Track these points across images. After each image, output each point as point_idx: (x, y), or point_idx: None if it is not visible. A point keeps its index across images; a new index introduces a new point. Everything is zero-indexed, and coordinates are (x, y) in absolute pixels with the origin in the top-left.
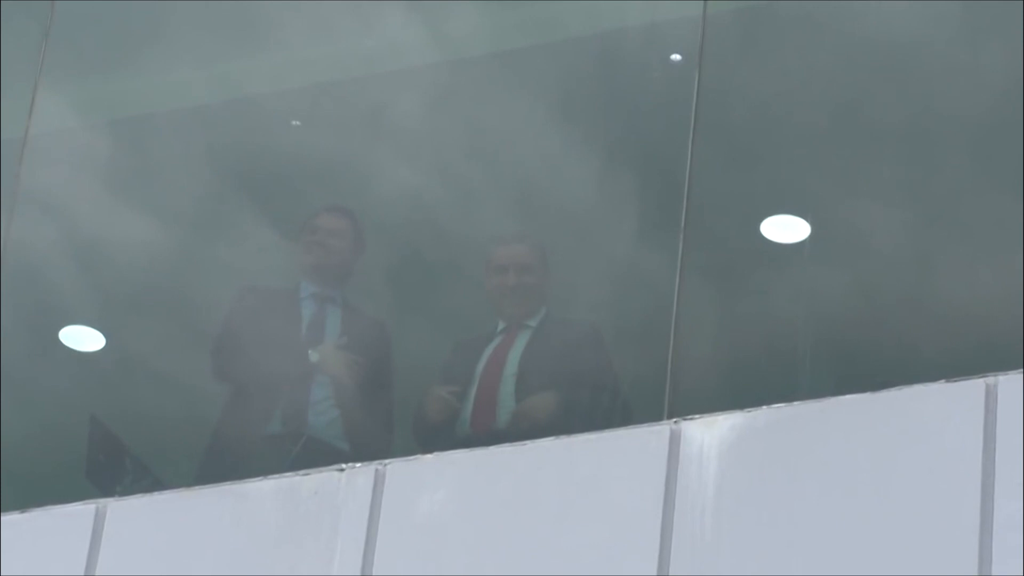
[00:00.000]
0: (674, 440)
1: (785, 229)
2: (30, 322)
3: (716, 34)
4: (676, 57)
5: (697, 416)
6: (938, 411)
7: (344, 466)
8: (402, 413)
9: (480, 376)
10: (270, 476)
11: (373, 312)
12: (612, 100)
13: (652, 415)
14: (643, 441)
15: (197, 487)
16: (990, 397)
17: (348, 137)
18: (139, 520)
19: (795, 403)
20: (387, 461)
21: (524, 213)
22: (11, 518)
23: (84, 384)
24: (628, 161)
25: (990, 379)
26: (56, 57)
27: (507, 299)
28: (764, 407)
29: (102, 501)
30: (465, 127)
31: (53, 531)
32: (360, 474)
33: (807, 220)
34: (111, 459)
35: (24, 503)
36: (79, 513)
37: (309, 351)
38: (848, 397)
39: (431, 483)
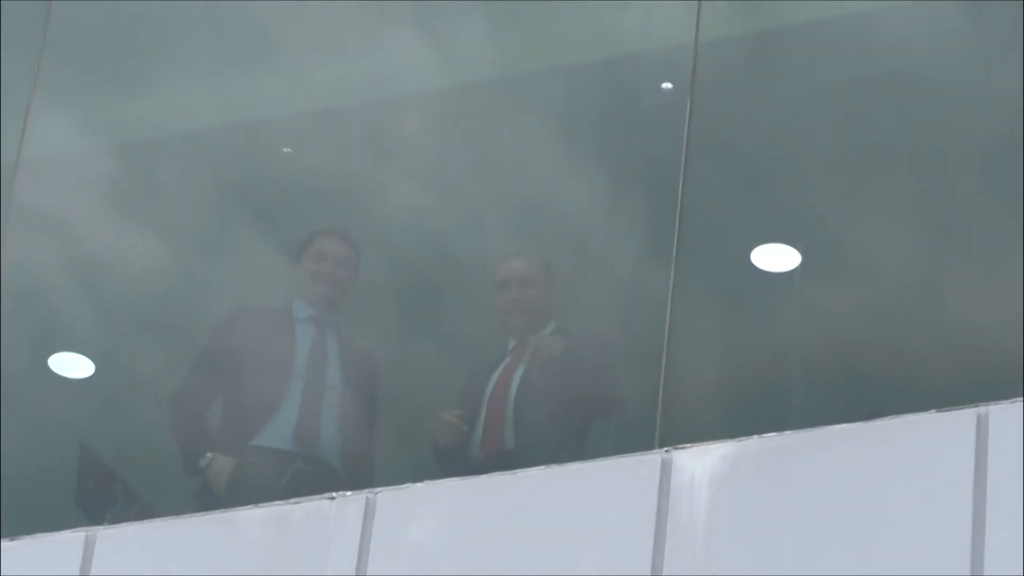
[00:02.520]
0: (665, 469)
1: (776, 257)
2: (23, 347)
3: (710, 61)
4: (667, 86)
5: (688, 445)
6: (929, 441)
7: (335, 494)
8: (408, 439)
9: (488, 399)
10: (261, 504)
11: (364, 338)
12: (615, 125)
13: (643, 444)
14: (634, 470)
15: (187, 515)
16: (981, 427)
17: (355, 161)
18: (129, 548)
19: (786, 432)
20: (377, 489)
21: (528, 236)
22: (1, 545)
23: (75, 410)
24: (628, 187)
25: (981, 409)
26: (63, 80)
27: (511, 315)
28: (755, 436)
29: (92, 529)
30: (471, 150)
31: (43, 558)
32: (351, 502)
33: (798, 249)
34: (101, 486)
35: (14, 531)
36: (69, 540)
37: (205, 455)
38: (839, 427)
39: (422, 511)
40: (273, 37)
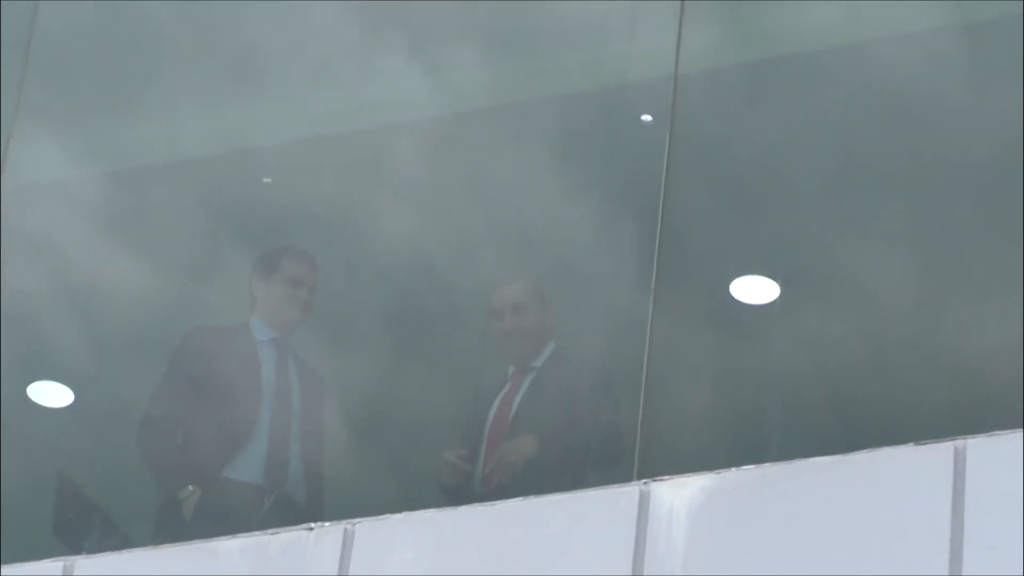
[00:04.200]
0: (644, 501)
1: (756, 290)
2: (4, 374)
3: (694, 93)
4: (647, 118)
5: (667, 477)
6: (907, 474)
7: (313, 525)
8: (400, 467)
9: (488, 431)
10: (239, 535)
11: (316, 363)
12: (606, 153)
13: (622, 475)
14: (613, 502)
15: (166, 544)
16: (959, 460)
17: (348, 188)
18: None
19: (764, 465)
20: (356, 520)
21: (521, 262)
22: None
23: (54, 440)
24: (617, 215)
25: (959, 442)
26: (53, 106)
27: (507, 342)
28: (733, 469)
29: (70, 558)
30: (464, 177)
31: None
32: (329, 533)
33: (777, 281)
34: (79, 516)
35: None
36: (47, 570)
37: (188, 487)
38: (817, 459)
39: (400, 542)
40: (266, 64)
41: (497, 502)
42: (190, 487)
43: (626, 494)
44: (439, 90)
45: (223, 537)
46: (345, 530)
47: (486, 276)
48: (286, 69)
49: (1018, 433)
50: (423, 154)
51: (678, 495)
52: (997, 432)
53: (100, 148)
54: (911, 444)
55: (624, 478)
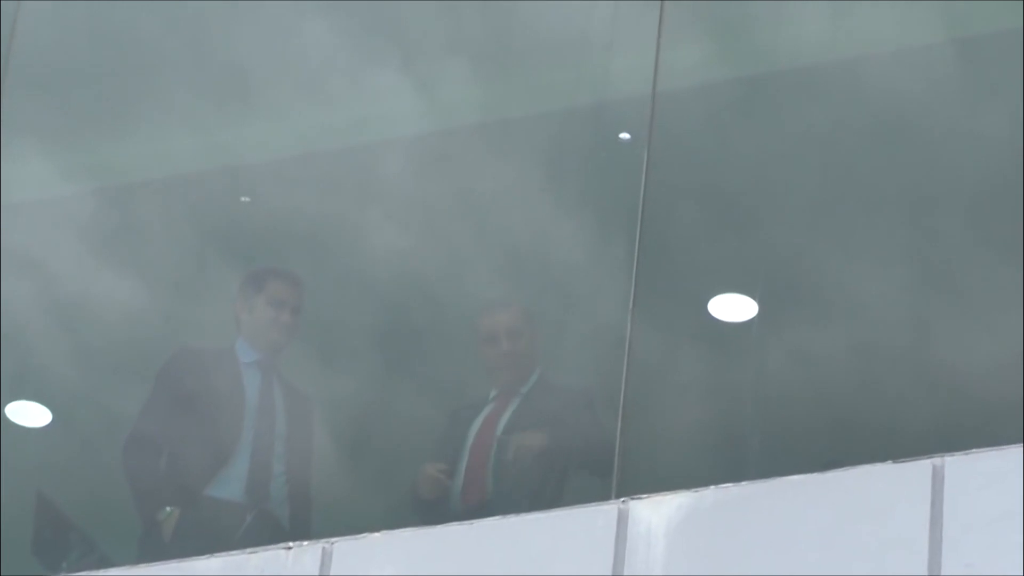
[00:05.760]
0: (622, 519)
1: (734, 308)
2: None
3: (677, 110)
4: (625, 136)
5: (645, 496)
6: (885, 492)
7: (291, 544)
8: (381, 484)
9: (470, 448)
10: (217, 553)
11: (301, 384)
12: (594, 170)
13: (600, 494)
14: (591, 520)
15: (143, 564)
16: (937, 478)
17: (338, 204)
18: None
19: (742, 483)
20: (334, 540)
21: (509, 281)
22: None
23: (33, 459)
24: (604, 233)
25: (937, 460)
26: (42, 121)
27: (501, 367)
28: (711, 487)
29: None
30: (453, 194)
31: None
32: (307, 552)
33: (755, 300)
34: (58, 535)
35: None
36: None
37: (167, 508)
38: (795, 477)
39: (379, 561)
40: (255, 81)
41: (476, 521)
42: (168, 508)
43: (604, 512)
44: (425, 107)
45: (201, 556)
46: (323, 549)
47: (472, 294)
48: (275, 86)
49: (996, 451)
50: (408, 170)
51: (656, 513)
52: (975, 450)
53: (87, 165)
54: (889, 462)
55: (603, 496)
